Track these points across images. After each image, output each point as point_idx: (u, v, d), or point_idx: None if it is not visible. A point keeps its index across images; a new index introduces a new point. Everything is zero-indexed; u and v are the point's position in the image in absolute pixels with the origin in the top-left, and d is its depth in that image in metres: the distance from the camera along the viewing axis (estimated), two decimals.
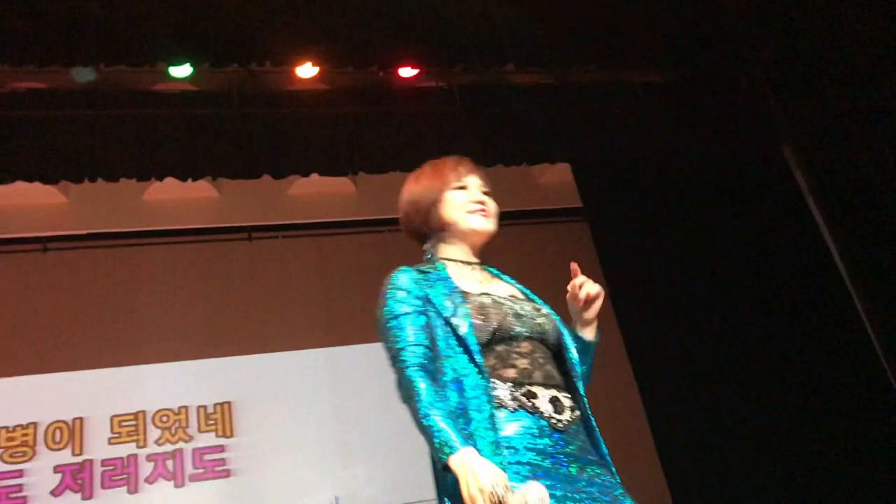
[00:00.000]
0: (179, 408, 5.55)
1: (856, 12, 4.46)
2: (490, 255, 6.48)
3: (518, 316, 1.79)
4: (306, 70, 4.44)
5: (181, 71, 4.30)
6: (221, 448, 5.49)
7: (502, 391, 1.68)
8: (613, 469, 1.72)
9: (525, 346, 1.75)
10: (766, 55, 5.01)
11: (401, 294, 1.83)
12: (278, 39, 4.17)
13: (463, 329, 1.71)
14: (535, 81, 5.00)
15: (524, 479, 1.54)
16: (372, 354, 5.78)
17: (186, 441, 5.45)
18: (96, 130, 4.57)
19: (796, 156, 5.02)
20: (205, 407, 5.59)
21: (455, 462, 1.56)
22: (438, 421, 1.61)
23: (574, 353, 1.83)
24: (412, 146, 5.22)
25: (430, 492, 5.76)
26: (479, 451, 1.57)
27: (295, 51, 4.29)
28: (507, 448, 1.61)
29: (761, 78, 5.23)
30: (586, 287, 1.87)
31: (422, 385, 1.67)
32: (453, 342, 1.71)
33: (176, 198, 5.84)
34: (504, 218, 6.36)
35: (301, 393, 5.74)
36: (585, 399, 1.80)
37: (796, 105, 4.97)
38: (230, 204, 6.05)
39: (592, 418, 1.77)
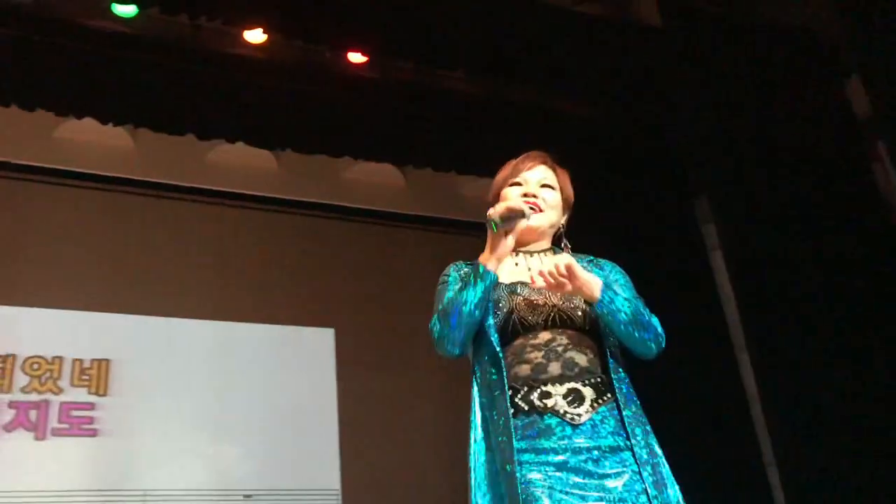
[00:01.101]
0: (53, 357, 5.40)
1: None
2: (401, 258, 6.54)
3: (533, 305, 1.84)
4: (255, 35, 4.44)
5: (126, 9, 4.23)
6: (92, 406, 5.37)
7: (519, 395, 1.76)
8: (630, 454, 1.75)
9: (543, 336, 1.83)
10: (692, 113, 5.27)
11: (448, 285, 1.96)
12: None
13: (486, 326, 1.82)
14: (477, 92, 5.14)
15: (545, 472, 1.67)
16: (261, 335, 5.91)
17: (56, 393, 5.30)
18: (21, 55, 4.43)
19: (708, 209, 5.34)
20: (81, 361, 5.46)
21: (484, 257, 1.82)
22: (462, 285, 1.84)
23: (604, 332, 1.87)
24: (344, 132, 5.29)
25: (300, 481, 5.84)
26: (504, 457, 1.68)
27: (249, 13, 4.28)
28: (528, 452, 1.70)
29: (683, 130, 5.52)
30: (546, 268, 1.84)
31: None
32: (480, 338, 1.82)
33: (88, 140, 5.69)
34: (420, 222, 6.50)
35: (184, 362, 5.67)
36: (621, 376, 1.83)
37: (711, 160, 5.25)
38: (144, 157, 5.95)
39: (628, 397, 1.81)
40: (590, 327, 1.88)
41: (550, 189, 2.07)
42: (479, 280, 1.82)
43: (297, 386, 5.93)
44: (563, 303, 1.87)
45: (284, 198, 6.36)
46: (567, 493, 1.67)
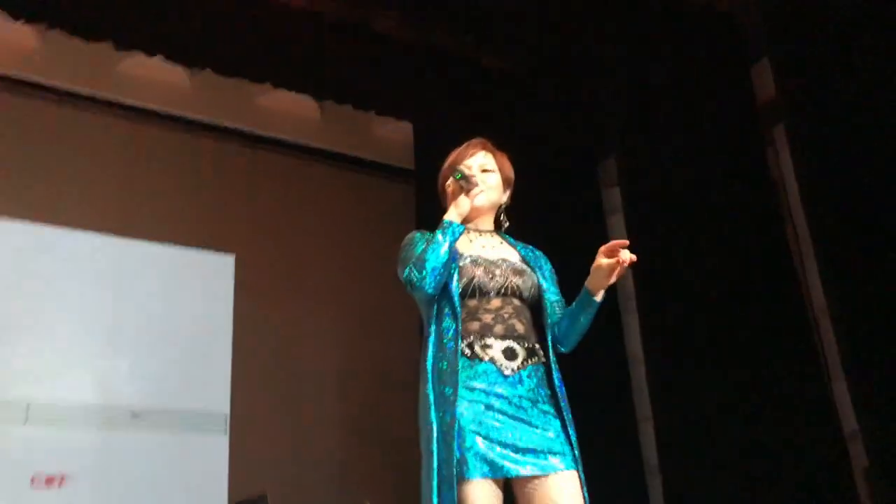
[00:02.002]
0: None
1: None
2: (308, 191, 6.62)
3: (492, 275, 2.23)
4: None
5: None
6: None
7: (465, 342, 2.13)
8: (552, 409, 2.16)
9: (494, 303, 2.21)
10: (607, 81, 5.51)
11: (416, 243, 2.26)
12: None
13: (450, 286, 2.16)
14: (406, 35, 5.23)
15: (475, 410, 2.06)
16: (160, 254, 5.91)
17: None
18: None
19: (615, 171, 5.65)
20: None
21: (449, 214, 2.20)
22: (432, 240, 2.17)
23: (549, 309, 2.27)
24: (267, 59, 5.31)
25: (188, 403, 5.88)
26: (447, 392, 2.05)
27: None
28: (465, 388, 2.08)
29: (598, 96, 5.77)
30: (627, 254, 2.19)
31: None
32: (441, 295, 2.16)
33: None
34: (332, 157, 6.60)
35: (79, 274, 5.60)
36: (550, 344, 2.24)
37: (621, 126, 5.52)
38: (49, 60, 5.77)
39: (553, 364, 2.23)
40: (532, 302, 2.28)
41: (490, 172, 2.41)
42: (447, 231, 2.17)
43: (193, 309, 5.95)
44: (515, 277, 2.24)
45: (194, 118, 6.30)
46: (493, 428, 2.05)
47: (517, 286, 2.24)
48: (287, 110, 6.54)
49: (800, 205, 4.54)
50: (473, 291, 2.19)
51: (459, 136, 5.69)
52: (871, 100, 4.11)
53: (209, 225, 6.20)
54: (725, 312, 4.57)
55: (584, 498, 2.06)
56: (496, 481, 2.02)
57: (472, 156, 2.42)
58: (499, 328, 2.17)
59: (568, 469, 2.07)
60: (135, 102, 6.07)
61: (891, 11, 4.13)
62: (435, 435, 2.02)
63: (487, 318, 2.17)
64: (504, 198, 2.46)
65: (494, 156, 2.46)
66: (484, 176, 2.38)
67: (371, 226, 6.87)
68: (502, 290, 2.22)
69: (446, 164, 2.46)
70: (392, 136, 6.81)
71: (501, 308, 2.19)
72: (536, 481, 2.04)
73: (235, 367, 5.97)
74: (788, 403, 4.31)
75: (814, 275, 4.52)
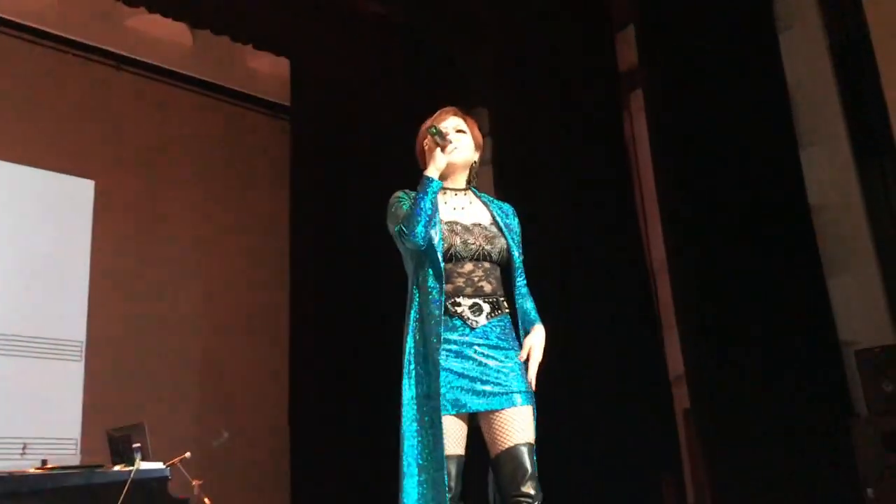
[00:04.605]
0: None
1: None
2: (175, 119, 6.61)
3: (465, 242, 2.64)
4: None
5: None
6: None
7: (442, 301, 2.56)
8: (515, 352, 2.59)
9: (467, 267, 2.63)
10: (484, 43, 5.87)
11: (402, 202, 2.64)
12: None
13: (435, 248, 2.55)
14: None
15: (447, 356, 2.51)
16: (16, 175, 5.88)
17: None
18: None
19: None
20: None
21: (428, 170, 2.58)
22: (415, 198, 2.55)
23: (515, 273, 2.69)
24: None
25: (43, 329, 5.92)
26: (432, 341, 2.51)
27: None
28: (442, 339, 2.51)
29: (471, 49, 6.13)
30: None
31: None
32: (425, 258, 2.61)
33: None
34: (201, 86, 6.64)
35: None
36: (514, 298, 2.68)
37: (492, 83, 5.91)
38: None
39: (515, 317, 2.66)
40: (502, 263, 2.68)
41: (463, 133, 2.77)
42: (428, 187, 2.57)
43: (50, 234, 5.95)
44: (487, 244, 2.66)
45: (59, 34, 6.23)
46: (461, 371, 2.52)
47: (488, 252, 2.64)
48: (156, 34, 6.54)
49: (649, 163, 5.11)
50: (451, 257, 2.60)
51: (337, 75, 5.99)
52: (724, 81, 4.68)
53: (69, 148, 6.18)
54: (572, 260, 5.09)
55: (535, 429, 2.53)
56: (461, 416, 2.50)
57: (446, 119, 2.77)
58: (468, 290, 2.60)
59: (524, 404, 2.52)
60: None
61: None
62: (414, 376, 2.52)
63: (459, 281, 2.60)
64: (475, 157, 2.80)
65: (465, 120, 2.80)
66: (458, 136, 2.73)
67: (241, 158, 7.01)
68: (475, 255, 2.63)
69: (421, 129, 2.80)
70: (268, 69, 6.95)
71: (473, 272, 2.62)
72: (496, 414, 2.50)
73: (93, 295, 6.07)
74: (623, 348, 4.89)
75: (656, 234, 5.15)
